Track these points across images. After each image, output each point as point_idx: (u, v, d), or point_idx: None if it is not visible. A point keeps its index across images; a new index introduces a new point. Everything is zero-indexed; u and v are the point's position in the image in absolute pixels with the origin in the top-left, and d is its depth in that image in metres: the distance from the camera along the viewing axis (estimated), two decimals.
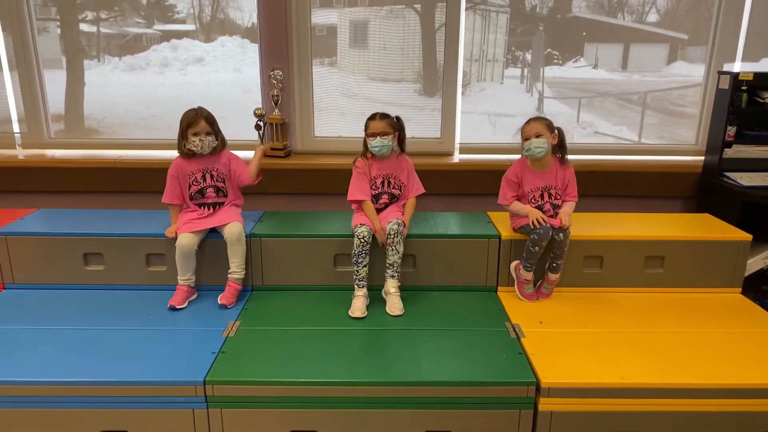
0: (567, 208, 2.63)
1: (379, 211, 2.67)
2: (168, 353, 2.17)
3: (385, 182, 2.68)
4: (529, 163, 2.64)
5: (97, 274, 2.72)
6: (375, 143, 2.59)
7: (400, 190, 2.70)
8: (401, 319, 2.47)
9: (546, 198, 2.62)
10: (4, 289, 2.72)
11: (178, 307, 2.53)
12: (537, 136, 2.53)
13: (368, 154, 2.68)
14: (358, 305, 2.53)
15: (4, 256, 2.69)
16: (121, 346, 2.22)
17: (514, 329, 2.36)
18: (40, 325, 2.37)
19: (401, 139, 2.69)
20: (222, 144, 2.65)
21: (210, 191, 2.65)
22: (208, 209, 2.66)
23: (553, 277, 2.62)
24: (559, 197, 2.63)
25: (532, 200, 2.63)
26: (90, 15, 3.69)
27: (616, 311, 2.54)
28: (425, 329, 2.38)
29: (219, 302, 2.55)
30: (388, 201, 2.69)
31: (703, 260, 2.71)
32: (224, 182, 2.68)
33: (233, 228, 2.59)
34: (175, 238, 2.56)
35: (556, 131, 2.59)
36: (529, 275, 2.62)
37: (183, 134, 2.57)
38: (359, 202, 2.66)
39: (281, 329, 2.37)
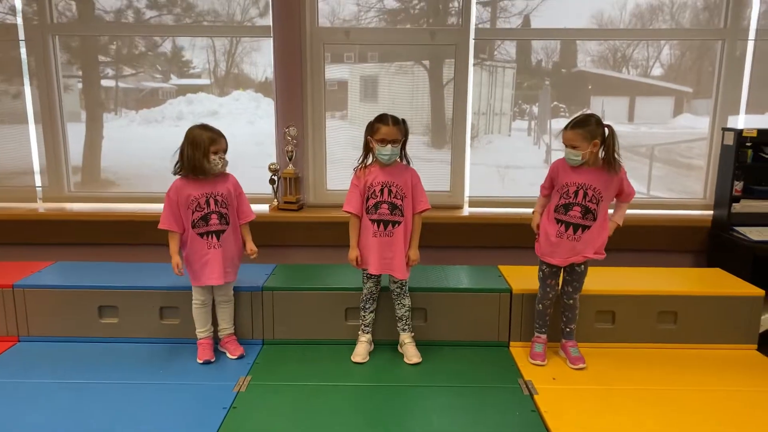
0: (617, 217, 2.49)
1: (380, 223, 2.48)
2: (179, 409, 2.16)
3: (386, 190, 2.48)
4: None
5: (111, 327, 2.74)
6: (385, 151, 2.42)
7: (402, 201, 2.49)
8: (413, 375, 2.46)
9: (580, 197, 2.39)
10: (19, 341, 2.74)
11: (212, 360, 2.55)
12: (572, 147, 2.36)
13: (366, 164, 2.52)
14: (360, 351, 2.58)
15: (21, 308, 2.73)
16: (133, 400, 2.22)
17: (526, 386, 2.34)
18: (52, 379, 2.38)
19: (404, 145, 2.52)
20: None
21: (214, 218, 2.49)
22: (212, 238, 2.50)
23: (569, 344, 2.57)
24: (595, 200, 2.38)
25: (565, 195, 2.41)
26: (111, 72, 3.84)
27: (630, 368, 2.51)
28: (437, 386, 2.37)
29: (233, 357, 2.58)
30: (388, 212, 2.48)
31: (716, 316, 2.69)
32: (227, 208, 2.55)
33: (225, 291, 2.62)
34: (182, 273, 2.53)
35: (600, 135, 2.33)
36: (540, 337, 2.60)
37: (203, 153, 2.43)
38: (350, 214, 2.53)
39: (292, 384, 2.36)
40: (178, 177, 2.51)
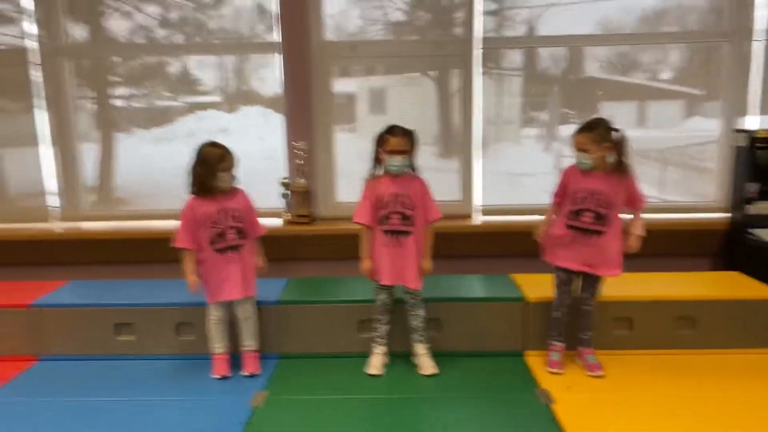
0: (636, 228, 2.44)
1: (393, 234, 2.48)
2: (196, 425, 2.17)
3: (396, 201, 2.48)
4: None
5: (128, 345, 2.76)
6: (395, 162, 2.44)
7: (413, 211, 2.49)
8: (429, 387, 2.45)
9: (590, 202, 2.40)
10: (39, 360, 2.77)
11: (229, 375, 2.55)
12: (582, 151, 2.38)
13: (377, 175, 2.53)
14: (375, 363, 2.57)
15: (38, 328, 2.76)
16: (151, 417, 2.23)
17: (544, 395, 2.31)
18: (71, 398, 2.40)
19: (413, 156, 2.53)
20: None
21: (231, 233, 2.50)
22: (230, 253, 2.51)
23: (586, 351, 2.55)
24: (606, 206, 2.38)
25: (575, 201, 2.43)
26: (122, 91, 3.89)
27: (649, 375, 2.48)
28: (453, 396, 2.35)
29: (246, 373, 2.57)
30: (399, 222, 2.48)
31: (736, 320, 2.65)
32: (242, 222, 2.56)
33: (246, 307, 2.62)
34: (200, 298, 2.54)
35: (610, 140, 2.36)
36: (557, 345, 2.57)
37: (211, 171, 2.46)
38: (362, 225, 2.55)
39: (309, 398, 2.36)
40: (191, 196, 2.54)
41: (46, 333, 2.76)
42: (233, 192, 2.58)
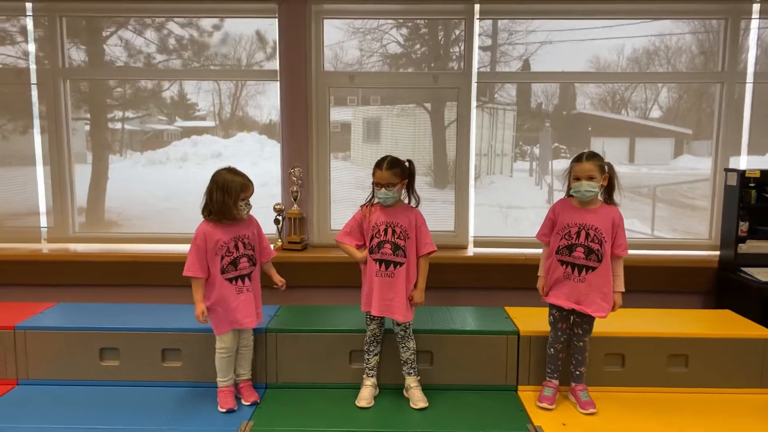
0: (618, 285, 2.43)
1: (382, 263, 2.47)
2: None
3: (389, 230, 2.49)
4: (573, 201, 2.48)
5: (112, 370, 2.69)
6: (380, 194, 2.48)
7: (405, 242, 2.49)
8: (419, 421, 2.40)
9: (582, 237, 2.39)
10: (18, 384, 2.69)
11: (236, 408, 2.46)
12: (589, 179, 2.37)
13: (373, 201, 2.57)
14: (365, 395, 2.52)
15: (21, 351, 2.68)
16: None
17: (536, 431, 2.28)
18: (50, 424, 2.31)
19: (410, 186, 2.56)
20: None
21: (243, 261, 2.45)
22: (242, 282, 2.45)
23: (579, 387, 2.52)
24: (597, 240, 2.37)
25: (566, 237, 2.41)
26: (118, 114, 3.90)
27: (642, 413, 2.45)
28: (444, 431, 2.30)
29: (246, 403, 2.50)
30: (391, 252, 2.47)
31: (728, 359, 2.64)
32: (253, 249, 2.51)
33: (249, 335, 2.58)
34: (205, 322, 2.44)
35: (606, 171, 2.40)
36: (551, 381, 2.55)
37: (234, 200, 2.38)
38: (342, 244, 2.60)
39: (296, 430, 2.30)
40: (203, 221, 2.45)
41: (29, 356, 2.69)
42: (248, 218, 2.53)
